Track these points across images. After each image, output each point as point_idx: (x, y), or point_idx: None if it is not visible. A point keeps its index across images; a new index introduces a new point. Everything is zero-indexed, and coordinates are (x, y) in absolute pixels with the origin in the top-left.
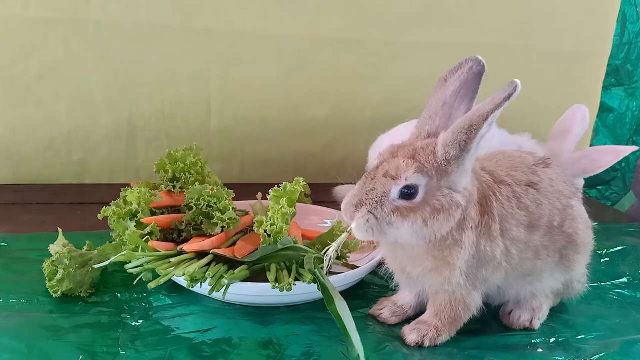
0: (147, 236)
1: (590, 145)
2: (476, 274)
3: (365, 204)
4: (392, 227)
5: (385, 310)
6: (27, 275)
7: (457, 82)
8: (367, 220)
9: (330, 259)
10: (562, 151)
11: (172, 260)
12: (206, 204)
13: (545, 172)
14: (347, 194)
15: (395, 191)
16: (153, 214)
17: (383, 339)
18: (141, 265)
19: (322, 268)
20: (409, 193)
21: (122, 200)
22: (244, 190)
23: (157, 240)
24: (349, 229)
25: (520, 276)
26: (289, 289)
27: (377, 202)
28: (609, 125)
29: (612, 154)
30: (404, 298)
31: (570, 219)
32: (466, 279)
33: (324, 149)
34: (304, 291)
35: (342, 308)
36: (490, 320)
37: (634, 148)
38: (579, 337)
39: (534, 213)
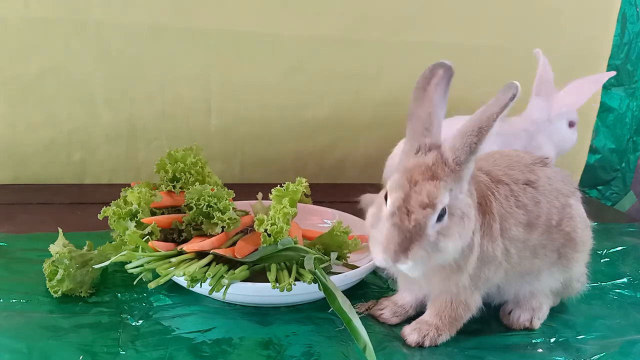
0: (147, 236)
1: (590, 146)
2: (479, 274)
3: (414, 242)
4: (440, 253)
5: (386, 310)
6: (27, 275)
7: (437, 90)
8: (421, 258)
9: None
10: (552, 97)
11: (172, 260)
12: (206, 204)
13: (543, 170)
14: (374, 237)
15: (434, 219)
16: (153, 214)
17: (383, 339)
18: (141, 265)
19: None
20: (442, 214)
21: (122, 200)
22: (244, 190)
23: (157, 240)
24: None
25: (518, 275)
26: (289, 289)
27: (423, 236)
28: (609, 125)
29: (593, 83)
30: (405, 298)
31: (569, 218)
32: (470, 280)
33: (324, 149)
34: (304, 291)
35: (345, 304)
36: (490, 320)
37: (612, 73)
38: (579, 337)
39: (532, 211)
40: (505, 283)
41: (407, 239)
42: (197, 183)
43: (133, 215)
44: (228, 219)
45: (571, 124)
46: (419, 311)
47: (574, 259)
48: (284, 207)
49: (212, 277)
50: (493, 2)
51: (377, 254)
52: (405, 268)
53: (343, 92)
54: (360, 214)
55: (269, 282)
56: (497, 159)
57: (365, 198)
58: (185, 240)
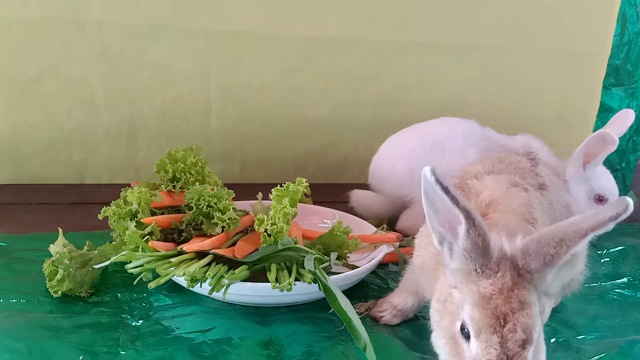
0: (147, 236)
1: None
2: None
3: None
4: None
5: (387, 313)
6: (27, 275)
7: (459, 195)
8: None
9: None
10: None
11: (172, 260)
12: (206, 204)
13: (540, 169)
14: None
15: (532, 350)
16: (153, 214)
17: (383, 339)
18: (141, 265)
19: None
20: None
21: (122, 200)
22: (244, 190)
23: (157, 240)
24: None
25: None
26: (289, 289)
27: None
28: None
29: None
30: (407, 302)
31: (570, 213)
32: None
33: (324, 149)
34: (304, 291)
35: (345, 304)
36: None
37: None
38: (579, 337)
39: (551, 215)
40: None
41: None
42: (197, 183)
43: (133, 215)
44: (228, 219)
45: (599, 199)
46: (419, 312)
47: (579, 252)
48: (284, 207)
49: (212, 277)
50: (493, 2)
51: None
52: None
53: (343, 92)
54: (357, 213)
55: (269, 282)
56: (510, 170)
57: (355, 195)
58: (185, 240)
